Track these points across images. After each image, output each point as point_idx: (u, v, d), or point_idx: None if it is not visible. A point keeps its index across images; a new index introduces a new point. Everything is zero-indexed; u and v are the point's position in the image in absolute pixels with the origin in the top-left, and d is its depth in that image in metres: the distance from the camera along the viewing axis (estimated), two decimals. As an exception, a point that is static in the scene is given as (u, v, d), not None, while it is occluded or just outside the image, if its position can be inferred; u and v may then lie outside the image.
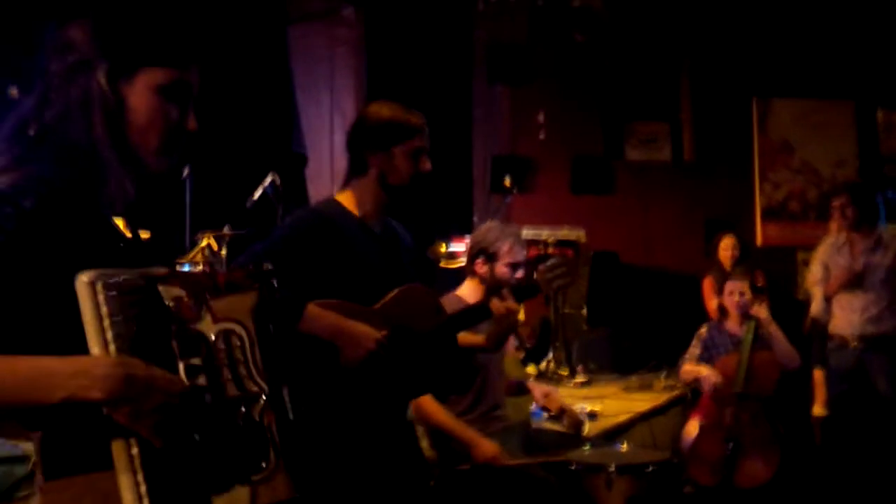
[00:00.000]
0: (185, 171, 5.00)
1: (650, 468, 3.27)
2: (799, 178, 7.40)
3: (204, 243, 4.71)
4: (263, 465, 1.26)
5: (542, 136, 6.98)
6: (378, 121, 2.24)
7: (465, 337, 2.53)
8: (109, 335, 1.15)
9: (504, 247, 3.01)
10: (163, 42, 1.33)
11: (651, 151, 7.26)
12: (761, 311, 4.06)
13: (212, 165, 5.34)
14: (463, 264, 3.78)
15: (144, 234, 4.54)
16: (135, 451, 1.17)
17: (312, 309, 2.04)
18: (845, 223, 4.52)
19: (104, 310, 1.15)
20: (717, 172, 7.16)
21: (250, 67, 5.65)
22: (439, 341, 2.26)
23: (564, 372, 5.58)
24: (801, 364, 4.18)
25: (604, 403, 4.57)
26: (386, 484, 2.14)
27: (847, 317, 4.51)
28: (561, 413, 3.51)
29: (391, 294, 2.21)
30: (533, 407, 3.94)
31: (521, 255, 3.05)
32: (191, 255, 4.64)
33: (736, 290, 4.18)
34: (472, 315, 2.45)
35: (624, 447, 3.58)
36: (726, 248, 5.86)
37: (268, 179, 4.87)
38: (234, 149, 5.66)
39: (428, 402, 2.94)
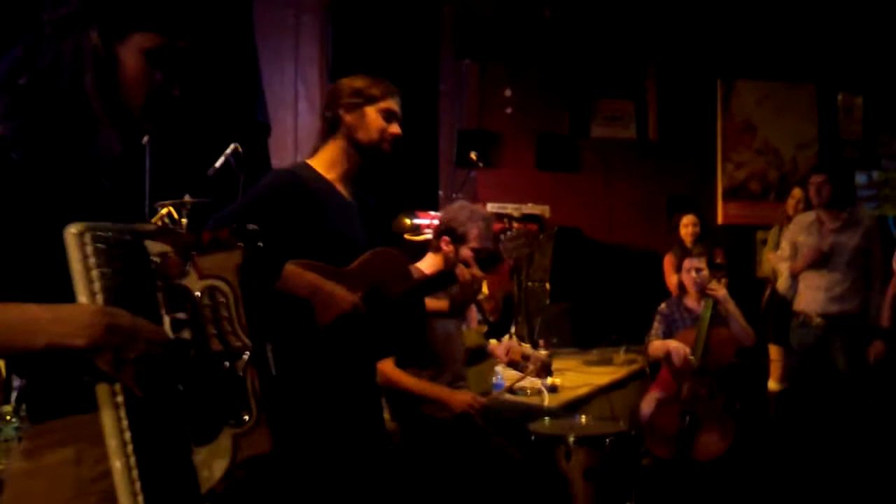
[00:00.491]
0: (146, 139, 4.90)
1: (608, 440, 3.32)
2: (760, 159, 7.50)
3: (164, 212, 4.64)
4: (245, 418, 1.28)
5: (508, 112, 6.97)
6: (352, 85, 2.33)
7: (428, 302, 2.56)
8: (97, 286, 1.17)
9: (473, 231, 3.04)
10: (154, 8, 1.34)
11: (616, 129, 7.29)
12: (719, 289, 4.11)
13: (173, 133, 5.24)
14: (427, 237, 3.77)
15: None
16: (119, 398, 1.19)
17: (290, 267, 2.07)
18: (820, 201, 4.56)
19: (92, 261, 1.17)
20: (681, 152, 7.23)
21: (214, 35, 5.54)
22: (408, 304, 2.31)
23: (526, 346, 5.62)
24: (756, 341, 4.25)
25: (564, 377, 4.61)
26: (352, 444, 2.15)
27: (812, 295, 4.59)
28: (526, 360, 3.55)
29: (363, 257, 2.24)
30: (494, 378, 3.97)
31: (487, 242, 3.07)
32: (151, 222, 4.56)
33: (693, 267, 4.22)
34: (439, 280, 2.51)
35: (583, 419, 3.63)
36: (686, 225, 5.93)
37: (230, 148, 4.80)
38: (195, 117, 5.56)
39: (392, 370, 2.96)
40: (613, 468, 3.32)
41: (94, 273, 1.17)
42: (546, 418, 3.47)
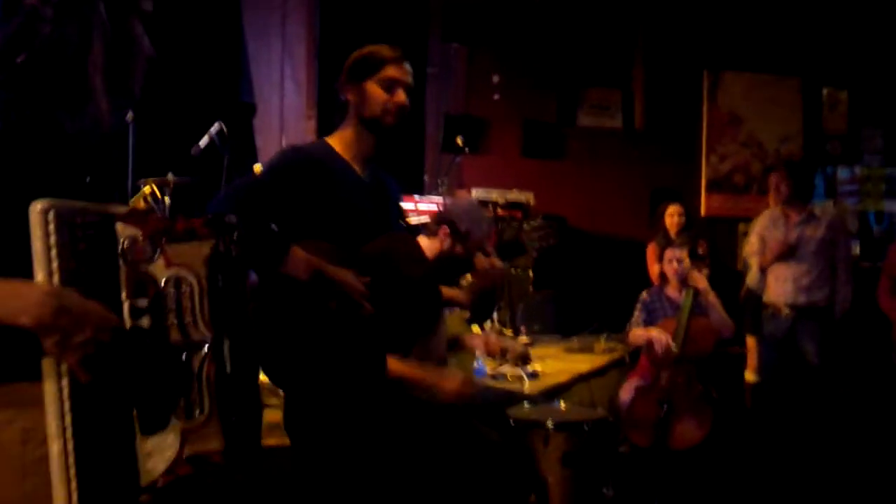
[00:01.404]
0: (129, 116, 4.85)
1: (586, 426, 3.34)
2: (745, 152, 7.53)
3: (147, 190, 4.60)
4: (197, 413, 1.25)
5: (496, 98, 6.95)
6: (355, 58, 2.25)
7: (445, 290, 2.52)
8: (55, 265, 1.16)
9: (477, 234, 2.99)
10: None
11: (603, 118, 7.30)
12: (699, 279, 4.14)
13: (157, 111, 5.19)
14: (412, 222, 3.75)
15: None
16: (64, 381, 1.17)
17: (296, 251, 2.02)
18: (779, 198, 4.69)
19: (53, 239, 1.15)
20: (666, 142, 7.25)
21: (199, 12, 5.48)
22: (423, 290, 2.26)
23: (508, 332, 5.64)
24: (735, 331, 4.29)
25: (545, 363, 4.63)
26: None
27: (780, 286, 4.68)
28: (504, 353, 3.55)
29: (378, 240, 2.19)
30: (475, 364, 3.98)
31: (486, 247, 3.05)
32: (132, 201, 4.53)
33: (675, 258, 4.25)
34: (455, 267, 2.42)
35: (562, 405, 3.65)
36: (672, 214, 5.96)
37: (214, 128, 4.76)
38: (180, 95, 5.51)
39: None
40: (591, 454, 3.35)
41: (54, 252, 1.15)
42: (525, 403, 3.48)
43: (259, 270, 2.10)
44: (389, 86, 2.22)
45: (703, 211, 7.35)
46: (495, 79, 6.94)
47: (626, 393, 4.13)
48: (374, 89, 2.21)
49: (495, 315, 5.76)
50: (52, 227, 1.15)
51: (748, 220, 6.48)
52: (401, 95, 2.23)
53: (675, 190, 6.83)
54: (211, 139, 4.72)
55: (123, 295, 1.22)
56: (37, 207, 1.15)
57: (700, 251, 4.29)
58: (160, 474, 1.22)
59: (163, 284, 1.25)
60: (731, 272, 6.17)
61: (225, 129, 4.76)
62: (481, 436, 2.85)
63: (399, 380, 2.90)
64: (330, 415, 2.10)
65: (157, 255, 1.25)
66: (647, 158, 7.19)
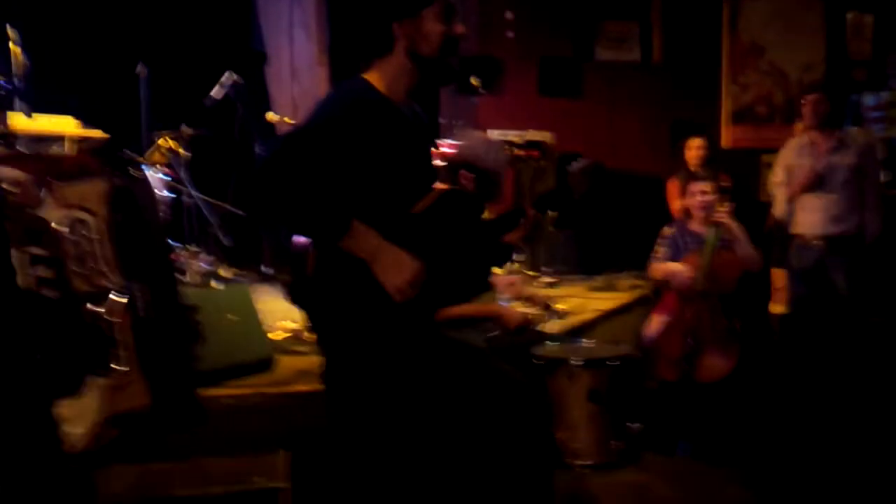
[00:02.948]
0: (142, 70, 4.80)
1: (612, 362, 3.34)
2: (767, 81, 7.35)
3: (162, 143, 4.57)
4: (114, 366, 1.14)
5: (510, 35, 6.81)
6: None
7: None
8: None
9: (499, 169, 2.93)
10: None
11: (621, 52, 7.13)
12: (723, 214, 4.08)
13: (168, 63, 5.14)
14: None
15: (100, 134, 4.41)
16: None
17: (357, 225, 1.90)
18: (815, 121, 4.55)
19: None
20: (686, 74, 7.09)
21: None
22: (482, 248, 2.15)
23: (532, 273, 5.62)
24: (762, 264, 4.24)
25: (569, 303, 4.62)
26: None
27: (809, 217, 4.59)
28: (530, 299, 3.55)
29: (429, 197, 2.05)
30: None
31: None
32: (148, 154, 4.51)
33: (700, 190, 4.18)
34: (506, 223, 2.29)
35: (587, 343, 3.65)
36: (693, 147, 5.86)
37: (227, 78, 4.70)
38: (191, 46, 5.45)
39: None
40: (618, 390, 3.35)
41: None
42: (550, 342, 3.48)
43: (316, 241, 2.00)
44: (449, 15, 1.99)
45: (724, 143, 7.21)
46: (509, 15, 6.79)
47: (651, 328, 4.12)
48: (433, 22, 1.97)
49: (517, 255, 5.75)
50: None
51: (771, 151, 6.34)
52: (460, 26, 2.00)
53: (696, 123, 6.70)
54: (223, 89, 4.67)
55: (13, 243, 1.08)
56: None
57: (723, 184, 4.23)
58: (82, 437, 1.11)
59: (57, 228, 1.12)
60: (755, 204, 6.08)
61: (237, 78, 4.71)
62: (504, 374, 2.85)
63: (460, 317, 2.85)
64: (373, 368, 2.06)
65: (45, 198, 1.11)
66: (667, 92, 7.04)
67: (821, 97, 4.56)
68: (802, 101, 4.66)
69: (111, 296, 1.14)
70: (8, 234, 1.08)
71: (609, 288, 5.33)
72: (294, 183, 1.84)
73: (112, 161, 1.20)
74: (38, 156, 1.21)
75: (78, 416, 1.10)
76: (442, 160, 3.32)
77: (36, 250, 1.10)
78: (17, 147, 2.31)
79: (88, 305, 1.13)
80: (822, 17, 7.35)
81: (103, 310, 1.14)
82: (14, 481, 1.05)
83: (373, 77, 2.03)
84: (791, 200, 4.68)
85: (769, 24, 7.30)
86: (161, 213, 4.04)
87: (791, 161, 4.70)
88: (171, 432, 1.33)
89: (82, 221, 1.13)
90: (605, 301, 4.88)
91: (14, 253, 1.08)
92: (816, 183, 4.53)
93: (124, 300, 1.15)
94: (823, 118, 4.53)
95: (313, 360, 3.09)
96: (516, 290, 3.54)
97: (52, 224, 1.11)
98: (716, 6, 7.18)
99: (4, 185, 1.09)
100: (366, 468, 2.14)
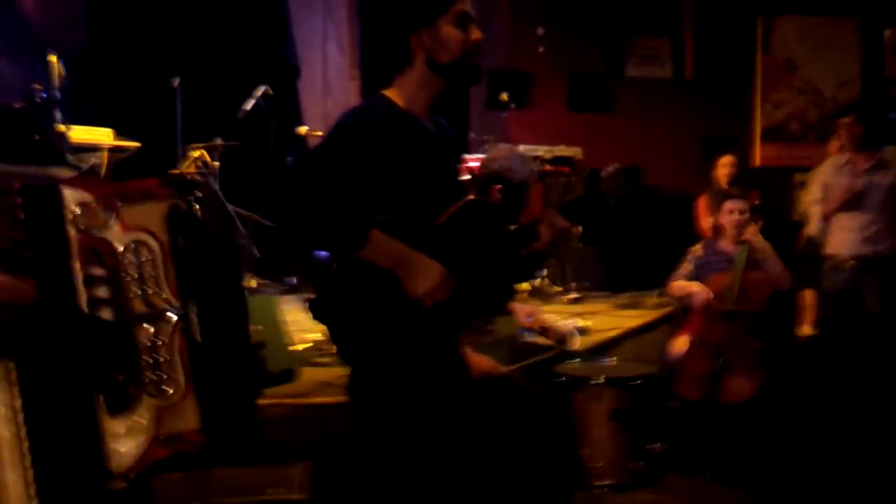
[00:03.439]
0: (176, 82, 4.90)
1: (637, 381, 3.32)
2: (800, 99, 7.29)
3: (197, 154, 4.66)
4: (170, 390, 1.16)
5: (541, 50, 6.83)
6: None
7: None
8: None
9: (530, 180, 2.92)
10: None
11: (652, 68, 7.12)
12: (754, 233, 4.05)
13: (203, 76, 5.24)
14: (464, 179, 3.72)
15: (135, 145, 4.49)
16: (10, 364, 1.08)
17: (377, 234, 1.91)
18: (851, 142, 4.50)
19: None
20: (718, 91, 7.05)
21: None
22: (506, 259, 2.14)
23: (557, 289, 5.61)
24: (792, 285, 4.20)
25: (594, 319, 4.61)
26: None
27: (844, 236, 4.53)
28: (545, 331, 3.52)
29: (452, 208, 2.05)
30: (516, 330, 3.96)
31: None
32: (182, 166, 4.59)
33: (736, 209, 4.15)
34: (523, 237, 2.24)
35: (612, 361, 3.63)
36: (724, 165, 5.81)
37: (259, 90, 4.78)
38: (225, 59, 5.54)
39: None
40: (641, 410, 3.33)
41: None
42: (575, 359, 3.47)
43: (335, 254, 2.00)
44: (464, 21, 2.00)
45: (756, 161, 7.15)
46: (539, 31, 6.81)
47: (677, 347, 4.09)
48: (448, 29, 1.99)
49: (544, 271, 5.74)
50: None
51: (804, 169, 6.29)
52: (476, 32, 2.01)
53: (727, 139, 6.66)
54: (256, 102, 4.75)
55: (75, 264, 1.11)
56: None
57: (754, 202, 4.20)
58: (134, 458, 1.12)
59: (121, 250, 1.14)
60: (786, 224, 6.02)
61: (270, 92, 4.78)
62: (526, 391, 2.85)
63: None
64: (396, 381, 2.08)
65: (111, 220, 1.14)
66: (698, 109, 7.01)
67: (854, 120, 4.51)
68: (837, 124, 4.62)
69: (167, 316, 1.16)
70: (71, 254, 1.10)
71: (635, 305, 5.30)
72: (308, 198, 1.87)
73: (177, 184, 1.22)
74: (105, 178, 1.24)
75: (130, 436, 1.12)
76: (470, 174, 3.34)
77: (97, 271, 1.13)
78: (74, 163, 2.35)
79: (144, 325, 1.16)
80: (857, 34, 7.27)
81: (158, 330, 1.16)
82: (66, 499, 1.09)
83: (392, 93, 2.07)
84: (826, 218, 4.63)
85: (803, 40, 7.24)
86: (241, 242, 3.99)
87: (828, 179, 4.63)
88: (223, 460, 1.34)
89: (144, 243, 1.17)
90: (630, 319, 4.86)
91: (76, 273, 1.11)
92: (854, 201, 4.48)
93: (180, 322, 1.17)
94: (859, 140, 4.48)
95: (335, 372, 3.14)
96: (535, 321, 3.52)
97: (115, 244, 1.14)
98: (749, 22, 7.14)
99: (73, 207, 1.12)
100: (388, 481, 2.16)
